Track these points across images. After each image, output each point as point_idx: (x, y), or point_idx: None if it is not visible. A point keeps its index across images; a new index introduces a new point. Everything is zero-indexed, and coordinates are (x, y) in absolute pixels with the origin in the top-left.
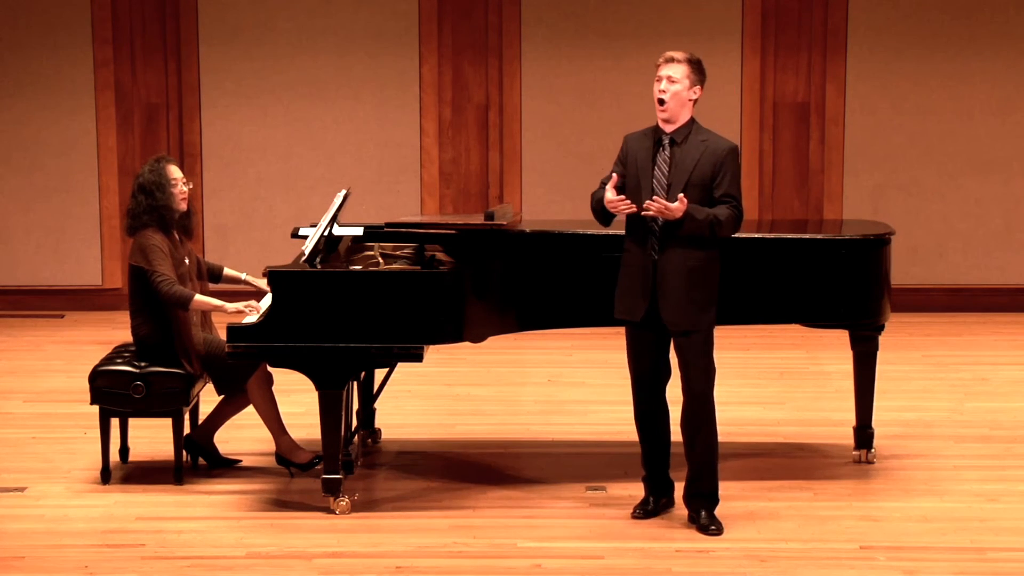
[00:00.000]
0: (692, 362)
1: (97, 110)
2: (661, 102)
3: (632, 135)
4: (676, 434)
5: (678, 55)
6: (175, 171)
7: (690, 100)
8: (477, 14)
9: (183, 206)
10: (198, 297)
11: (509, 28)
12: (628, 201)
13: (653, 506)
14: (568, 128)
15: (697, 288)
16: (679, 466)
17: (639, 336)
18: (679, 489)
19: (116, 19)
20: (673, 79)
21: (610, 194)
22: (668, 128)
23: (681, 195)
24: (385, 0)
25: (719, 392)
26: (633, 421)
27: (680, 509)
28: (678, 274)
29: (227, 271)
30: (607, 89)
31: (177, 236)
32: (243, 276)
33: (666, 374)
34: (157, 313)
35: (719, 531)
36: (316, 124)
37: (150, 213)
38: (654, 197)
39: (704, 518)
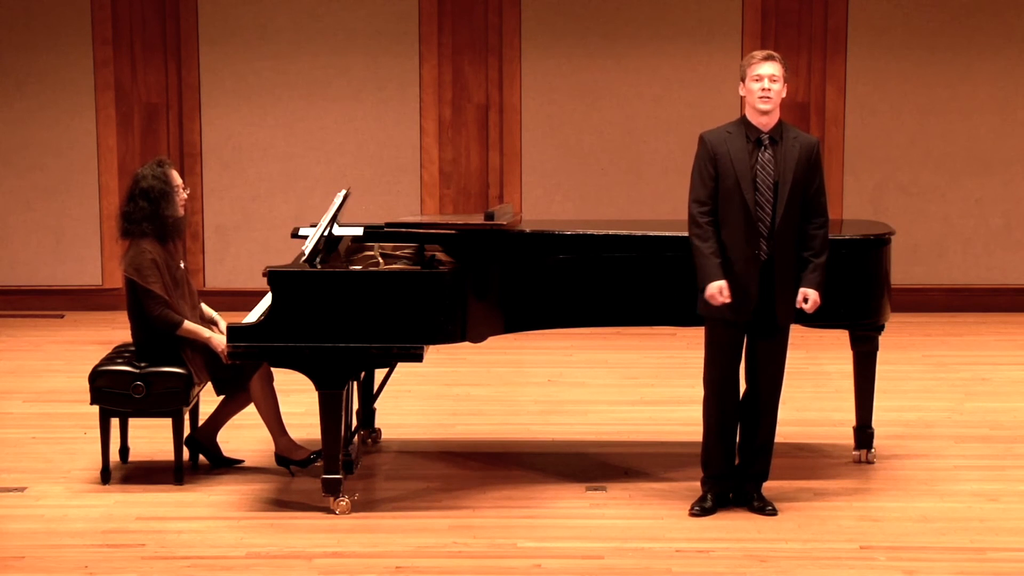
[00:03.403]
0: (781, 354)
1: (97, 110)
2: (767, 100)
3: (713, 134)
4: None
5: (774, 54)
6: (177, 177)
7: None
8: (477, 14)
9: (182, 212)
10: (187, 325)
11: (509, 28)
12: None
13: (712, 504)
14: (568, 128)
15: (794, 286)
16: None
17: (734, 336)
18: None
19: (116, 19)
20: (775, 78)
21: (719, 295)
22: (766, 127)
23: (816, 296)
24: (385, 0)
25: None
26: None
27: (679, 509)
28: (789, 273)
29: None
30: (607, 89)
31: (171, 243)
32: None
33: None
34: None
35: (775, 509)
36: (316, 124)
37: (152, 221)
38: (808, 298)
39: (757, 500)
